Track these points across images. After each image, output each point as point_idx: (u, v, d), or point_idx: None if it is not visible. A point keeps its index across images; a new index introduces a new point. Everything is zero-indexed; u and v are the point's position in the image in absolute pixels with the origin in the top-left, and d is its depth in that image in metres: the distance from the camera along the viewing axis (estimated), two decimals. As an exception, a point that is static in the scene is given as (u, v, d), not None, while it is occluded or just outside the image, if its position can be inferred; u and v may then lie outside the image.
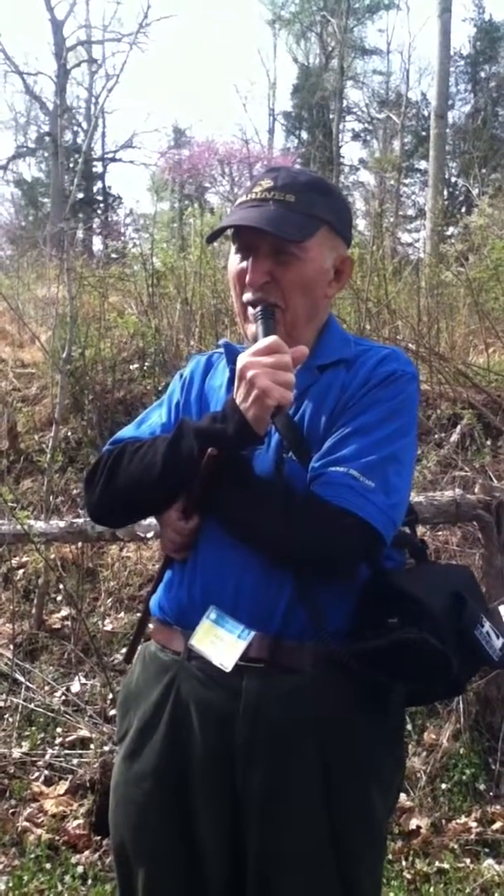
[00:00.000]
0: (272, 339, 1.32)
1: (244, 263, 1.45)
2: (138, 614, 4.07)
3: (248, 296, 1.44)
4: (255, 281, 1.42)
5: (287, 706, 1.35)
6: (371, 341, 1.63)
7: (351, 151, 34.76)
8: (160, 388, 5.67)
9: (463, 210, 17.40)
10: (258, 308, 1.41)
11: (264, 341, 1.33)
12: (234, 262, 1.48)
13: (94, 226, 23.66)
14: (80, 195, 26.42)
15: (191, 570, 1.44)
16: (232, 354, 1.52)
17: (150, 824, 1.41)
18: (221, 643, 1.36)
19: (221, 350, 1.59)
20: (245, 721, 1.34)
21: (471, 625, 1.37)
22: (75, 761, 3.15)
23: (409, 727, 3.22)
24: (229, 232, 1.48)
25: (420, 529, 3.83)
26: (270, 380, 1.28)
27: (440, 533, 3.96)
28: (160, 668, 1.46)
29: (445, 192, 17.95)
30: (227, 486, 1.37)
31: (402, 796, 2.93)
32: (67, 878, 2.58)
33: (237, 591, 1.37)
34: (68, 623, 4.13)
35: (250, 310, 1.44)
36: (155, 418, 1.61)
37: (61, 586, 4.21)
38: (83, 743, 3.27)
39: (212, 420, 1.38)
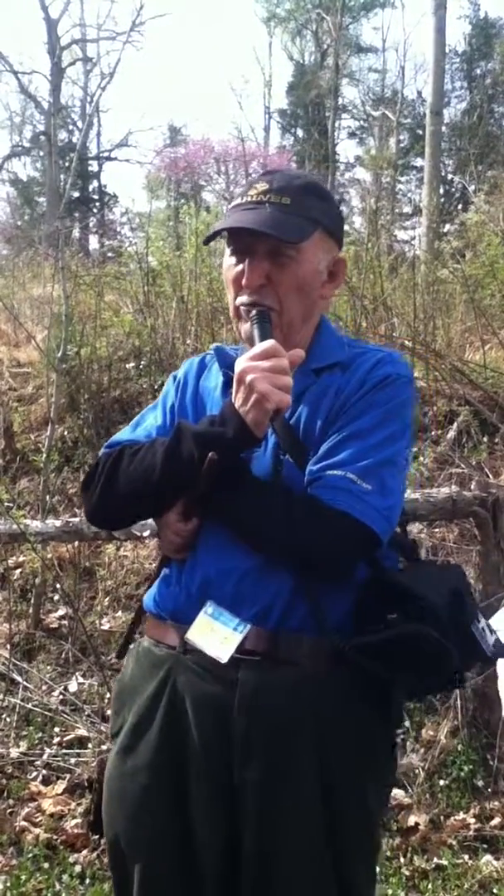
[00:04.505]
0: (270, 343, 1.34)
1: (240, 266, 1.45)
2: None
3: (243, 298, 1.45)
4: (251, 283, 1.43)
5: (283, 698, 1.36)
6: (366, 343, 1.65)
7: (347, 149, 34.91)
8: (156, 387, 5.67)
9: (459, 207, 17.39)
10: (254, 312, 1.42)
11: (262, 345, 1.34)
12: (230, 264, 1.49)
13: (90, 224, 23.65)
14: (76, 194, 26.44)
15: (189, 568, 1.46)
16: (223, 357, 1.55)
17: (146, 818, 1.42)
18: (217, 636, 1.38)
19: (213, 352, 1.60)
20: (241, 713, 1.35)
21: (468, 621, 1.40)
22: (73, 761, 3.15)
23: (406, 724, 3.22)
24: (224, 234, 1.49)
25: (417, 526, 3.86)
26: (269, 384, 1.29)
27: (437, 530, 3.96)
28: (155, 663, 1.47)
29: (441, 189, 17.94)
30: (228, 489, 1.39)
31: (401, 793, 2.93)
32: (65, 877, 2.57)
33: (236, 588, 1.39)
34: (65, 622, 4.13)
35: (244, 308, 1.45)
36: (150, 420, 1.62)
37: (58, 586, 4.20)
38: (81, 742, 3.27)
39: (210, 423, 1.39)
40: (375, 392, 1.43)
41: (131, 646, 1.61)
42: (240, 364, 1.34)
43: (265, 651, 1.37)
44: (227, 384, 1.48)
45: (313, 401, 1.45)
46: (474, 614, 1.42)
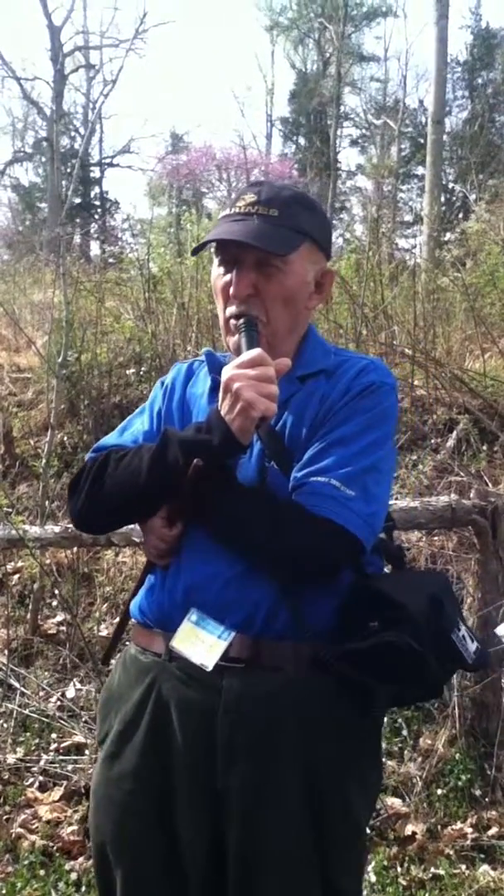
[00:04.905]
0: (256, 351, 1.35)
1: (228, 276, 1.47)
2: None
3: (231, 309, 1.47)
4: (238, 293, 1.45)
5: (267, 705, 1.37)
6: (350, 351, 1.68)
7: (348, 157, 34.93)
8: (156, 394, 5.65)
9: (460, 216, 17.42)
10: (241, 321, 1.43)
11: (248, 354, 1.35)
12: (218, 274, 1.50)
13: (92, 230, 23.68)
14: (77, 200, 26.48)
15: (173, 574, 1.47)
16: (213, 363, 1.56)
17: (131, 824, 1.43)
18: (202, 644, 1.39)
19: (203, 358, 1.61)
20: (225, 720, 1.37)
21: (448, 629, 1.40)
22: (70, 767, 3.14)
23: (404, 733, 3.22)
24: (213, 245, 1.50)
25: (416, 534, 3.85)
26: (255, 392, 1.30)
27: (436, 538, 3.95)
28: (141, 670, 1.48)
29: (442, 198, 17.96)
30: (213, 496, 1.40)
31: (398, 802, 2.92)
32: (61, 884, 2.56)
33: (220, 595, 1.40)
34: (63, 628, 4.12)
35: (233, 322, 1.46)
36: (137, 426, 1.63)
37: (56, 591, 4.20)
38: (78, 749, 3.26)
39: (196, 430, 1.40)
40: (360, 399, 1.45)
41: (118, 654, 1.62)
42: (226, 372, 1.35)
43: (249, 658, 1.38)
44: (214, 389, 1.49)
45: (298, 408, 1.47)
46: (455, 622, 1.42)
